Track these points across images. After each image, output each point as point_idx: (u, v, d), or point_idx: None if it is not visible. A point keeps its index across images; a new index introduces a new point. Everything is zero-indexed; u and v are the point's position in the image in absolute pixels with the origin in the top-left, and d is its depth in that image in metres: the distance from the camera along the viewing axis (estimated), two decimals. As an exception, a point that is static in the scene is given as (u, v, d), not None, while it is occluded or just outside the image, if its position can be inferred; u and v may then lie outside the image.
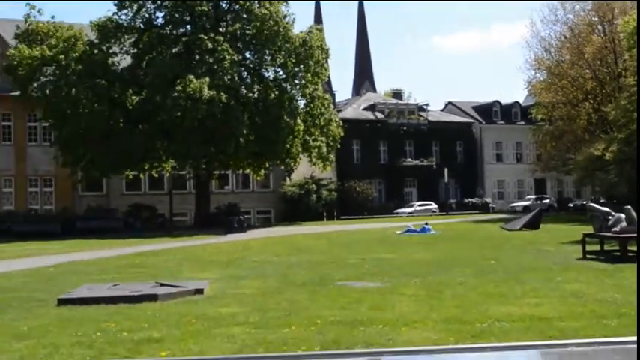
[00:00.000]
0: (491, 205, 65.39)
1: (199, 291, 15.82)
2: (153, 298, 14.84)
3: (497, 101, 73.16)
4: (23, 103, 48.31)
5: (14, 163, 50.91)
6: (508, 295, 13.83)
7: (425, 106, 71.81)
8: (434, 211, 61.14)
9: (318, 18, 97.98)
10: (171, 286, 16.40)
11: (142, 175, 52.57)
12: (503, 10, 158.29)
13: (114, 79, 46.91)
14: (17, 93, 47.77)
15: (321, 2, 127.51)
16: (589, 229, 22.85)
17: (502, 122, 72.01)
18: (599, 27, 54.62)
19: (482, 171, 70.53)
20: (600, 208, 24.08)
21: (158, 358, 9.83)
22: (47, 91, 46.07)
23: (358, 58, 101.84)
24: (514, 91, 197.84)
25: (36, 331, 11.73)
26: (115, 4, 48.64)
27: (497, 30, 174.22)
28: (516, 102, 73.97)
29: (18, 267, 23.95)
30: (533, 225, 36.52)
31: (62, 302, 14.73)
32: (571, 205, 64.66)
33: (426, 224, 38.56)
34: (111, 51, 48.63)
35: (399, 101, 74.75)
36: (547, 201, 65.49)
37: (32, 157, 51.32)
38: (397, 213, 59.98)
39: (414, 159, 67.08)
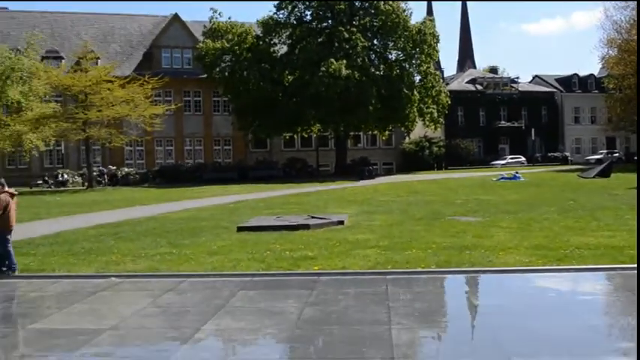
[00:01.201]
0: (569, 158, 62.90)
1: (341, 222, 16.24)
2: (306, 227, 15.35)
3: (575, 74, 70.07)
4: (209, 83, 49.97)
5: (203, 127, 52.69)
6: (585, 229, 13.77)
7: (516, 79, 69.61)
8: (522, 163, 59.50)
9: (429, 10, 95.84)
10: (320, 218, 16.83)
11: (295, 136, 53.48)
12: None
13: (274, 63, 47.76)
14: (204, 76, 49.39)
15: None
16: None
17: (580, 91, 68.96)
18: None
19: (562, 131, 67.98)
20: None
21: (312, 271, 10.22)
22: (226, 74, 47.49)
23: (462, 40, 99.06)
24: (590, 65, 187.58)
25: (222, 250, 12.53)
26: (275, 6, 49.42)
27: (576, 16, 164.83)
28: (592, 74, 70.43)
29: (208, 204, 25.13)
30: (604, 174, 35.34)
31: (240, 229, 15.50)
32: (636, 157, 61.68)
33: (517, 173, 37.93)
34: (272, 42, 49.39)
35: (495, 75, 72.56)
36: (616, 155, 62.51)
37: (216, 123, 53.02)
38: (493, 164, 58.73)
39: (506, 121, 65.33)
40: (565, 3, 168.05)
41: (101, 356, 6.39)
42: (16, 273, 10.84)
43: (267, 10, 57.95)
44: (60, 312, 8.28)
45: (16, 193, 11.71)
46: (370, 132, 54.53)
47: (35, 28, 48.11)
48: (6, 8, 55.51)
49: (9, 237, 11.01)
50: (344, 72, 43.90)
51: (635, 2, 50.53)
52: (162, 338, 7.00)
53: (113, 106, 39.69)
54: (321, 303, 8.23)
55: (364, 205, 22.46)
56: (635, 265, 8.93)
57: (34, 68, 42.68)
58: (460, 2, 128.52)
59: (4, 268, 10.83)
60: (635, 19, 50.49)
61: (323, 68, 44.18)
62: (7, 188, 11.30)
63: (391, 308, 7.75)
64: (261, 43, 48.52)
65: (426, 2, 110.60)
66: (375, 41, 50.50)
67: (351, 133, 53.01)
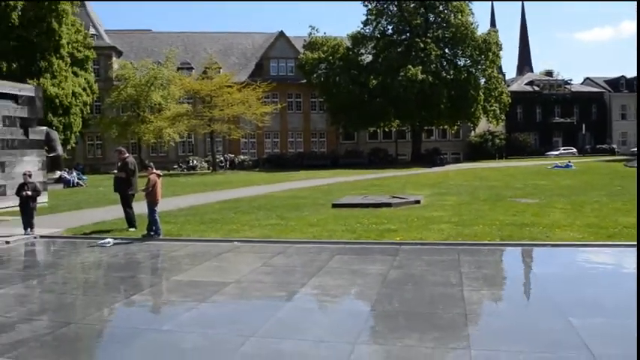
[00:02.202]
0: (616, 149, 59.52)
1: (417, 202, 16.07)
2: (388, 205, 15.27)
3: (623, 76, 65.75)
4: (308, 87, 50.36)
5: (302, 123, 53.19)
6: (632, 210, 13.02)
7: (569, 81, 66.21)
8: (574, 154, 56.67)
9: (492, 21, 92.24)
10: (400, 198, 16.70)
11: (378, 130, 53.17)
12: (631, 9, 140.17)
13: (361, 70, 47.53)
14: (304, 81, 49.81)
15: (494, 3, 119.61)
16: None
17: (626, 91, 64.72)
18: None
19: (610, 126, 64.16)
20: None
21: (395, 241, 10.10)
22: (322, 79, 47.71)
23: (521, 48, 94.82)
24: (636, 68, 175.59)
25: (320, 222, 12.59)
26: (362, 22, 49.31)
27: (625, 25, 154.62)
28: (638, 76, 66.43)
29: (306, 185, 25.33)
30: (649, 163, 33.26)
31: (334, 206, 15.58)
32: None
33: (569, 162, 36.27)
34: (359, 52, 49.17)
35: (550, 78, 69.29)
36: (660, 146, 58.74)
37: (313, 120, 53.39)
38: (547, 154, 56.32)
39: (560, 118, 62.39)
40: (614, 13, 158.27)
41: (228, 303, 6.61)
42: (161, 237, 11.34)
43: (356, 25, 57.56)
44: (194, 268, 8.59)
45: (161, 174, 12.25)
46: (441, 126, 53.60)
47: (172, 45, 49.85)
48: (150, 30, 57.84)
49: (156, 208, 11.52)
50: (419, 76, 43.30)
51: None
52: (274, 290, 7.16)
53: (232, 106, 40.68)
54: (404, 267, 8.18)
55: (436, 187, 22.09)
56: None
57: (172, 77, 44.44)
58: (520, 15, 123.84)
59: (152, 233, 11.36)
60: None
61: (402, 73, 43.72)
62: (155, 170, 11.84)
63: (462, 273, 7.61)
64: (350, 53, 48.45)
65: (489, 15, 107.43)
66: (446, 50, 49.36)
67: (425, 127, 52.28)
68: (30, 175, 12.83)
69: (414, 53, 46.32)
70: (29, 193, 12.15)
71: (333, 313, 6.17)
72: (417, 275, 7.67)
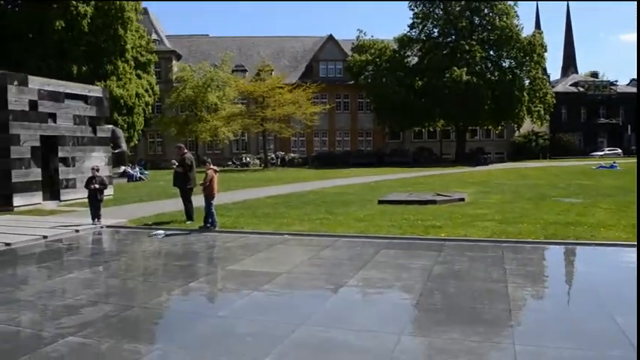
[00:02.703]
0: (663, 149, 57.04)
1: (462, 199, 15.80)
2: (433, 202, 15.05)
3: (670, 76, 63.15)
4: (355, 88, 50.21)
5: (350, 123, 53.04)
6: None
7: (614, 82, 63.71)
8: (619, 154, 54.48)
9: (537, 23, 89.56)
10: (444, 195, 16.46)
11: (423, 129, 52.43)
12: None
13: (407, 71, 47.06)
14: (352, 82, 49.73)
15: (539, 4, 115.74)
16: None
17: (674, 91, 62.05)
18: None
19: (657, 126, 61.56)
20: None
21: (439, 237, 9.96)
22: (369, 80, 47.50)
23: (565, 49, 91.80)
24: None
25: (367, 218, 12.52)
26: (408, 26, 48.82)
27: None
28: (686, 76, 63.25)
29: (353, 182, 25.18)
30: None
31: (381, 202, 15.44)
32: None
33: (614, 162, 34.89)
34: (406, 54, 48.69)
35: (595, 79, 66.73)
36: None
37: (360, 119, 53.17)
38: (592, 155, 54.33)
39: (605, 119, 60.01)
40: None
41: (280, 292, 6.66)
42: (217, 228, 11.53)
43: (402, 29, 57.10)
44: (248, 258, 8.70)
45: (217, 169, 12.45)
46: (485, 126, 52.36)
47: (227, 49, 50.57)
48: (207, 35, 58.86)
49: (212, 202, 11.72)
50: (464, 78, 42.54)
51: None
52: (323, 282, 7.17)
53: (283, 106, 40.97)
54: (448, 262, 8.05)
55: (481, 186, 21.62)
56: None
57: (227, 79, 45.14)
58: (565, 16, 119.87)
59: (209, 225, 11.57)
60: None
61: (447, 75, 43.06)
62: (212, 166, 12.05)
63: (506, 270, 7.44)
64: (397, 55, 48.00)
65: (534, 16, 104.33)
66: (491, 52, 48.28)
67: (469, 127, 51.19)
68: (97, 170, 13.27)
69: (459, 55, 45.47)
70: (97, 186, 12.56)
71: (379, 305, 6.13)
72: (462, 271, 7.53)
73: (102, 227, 12.20)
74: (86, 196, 13.03)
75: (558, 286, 7.18)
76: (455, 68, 43.14)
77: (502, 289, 6.39)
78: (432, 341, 4.77)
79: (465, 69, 43.27)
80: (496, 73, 46.62)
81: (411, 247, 9.39)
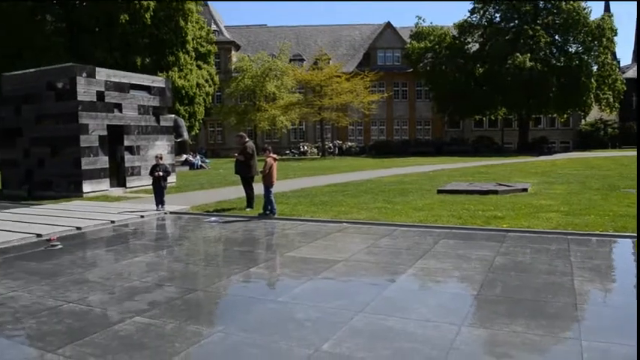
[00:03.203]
0: None
1: (524, 190, 15.38)
2: (495, 192, 14.75)
3: None
4: (413, 75, 49.65)
5: (408, 111, 52.59)
6: None
7: (693, 66, 60.03)
8: (696, 143, 51.52)
9: (607, 5, 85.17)
10: (506, 185, 16.07)
11: (484, 118, 51.27)
12: None
13: (467, 58, 46.06)
14: (410, 70, 49.16)
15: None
16: None
17: None
18: None
19: None
20: None
21: (501, 228, 9.73)
22: (428, 68, 46.84)
23: (637, 32, 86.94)
24: None
25: (426, 207, 12.37)
26: (469, 11, 47.61)
27: None
28: None
29: (412, 171, 24.99)
30: None
31: (440, 192, 15.25)
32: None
33: (691, 152, 32.91)
34: (466, 41, 47.58)
35: (672, 63, 63.24)
36: None
37: (418, 108, 52.58)
38: (666, 143, 51.64)
39: (681, 105, 56.80)
40: None
41: (337, 280, 6.69)
42: (276, 215, 11.69)
43: (462, 14, 55.07)
44: (306, 245, 8.77)
45: (277, 157, 12.60)
46: (550, 115, 50.49)
47: (285, 38, 51.01)
48: (265, 25, 59.45)
49: (271, 189, 11.89)
50: (528, 64, 41.16)
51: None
52: (381, 270, 7.14)
53: (340, 95, 40.98)
54: (510, 254, 7.83)
55: (544, 176, 20.90)
56: None
57: (285, 68, 45.50)
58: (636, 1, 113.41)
59: (268, 212, 11.75)
60: None
61: (509, 61, 41.79)
62: (271, 154, 12.20)
63: (572, 263, 7.16)
64: (456, 42, 47.01)
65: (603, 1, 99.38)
66: (556, 37, 46.41)
67: (533, 116, 49.53)
68: (161, 158, 13.70)
69: (522, 41, 43.99)
70: (160, 173, 12.98)
71: (439, 295, 6.04)
72: (525, 262, 7.32)
73: (165, 213, 12.62)
74: (150, 183, 13.51)
75: (628, 281, 6.85)
76: (518, 54, 41.80)
77: (568, 283, 6.16)
78: (494, 333, 4.67)
79: (529, 55, 41.84)
80: (562, 59, 44.86)
81: (471, 237, 9.19)
